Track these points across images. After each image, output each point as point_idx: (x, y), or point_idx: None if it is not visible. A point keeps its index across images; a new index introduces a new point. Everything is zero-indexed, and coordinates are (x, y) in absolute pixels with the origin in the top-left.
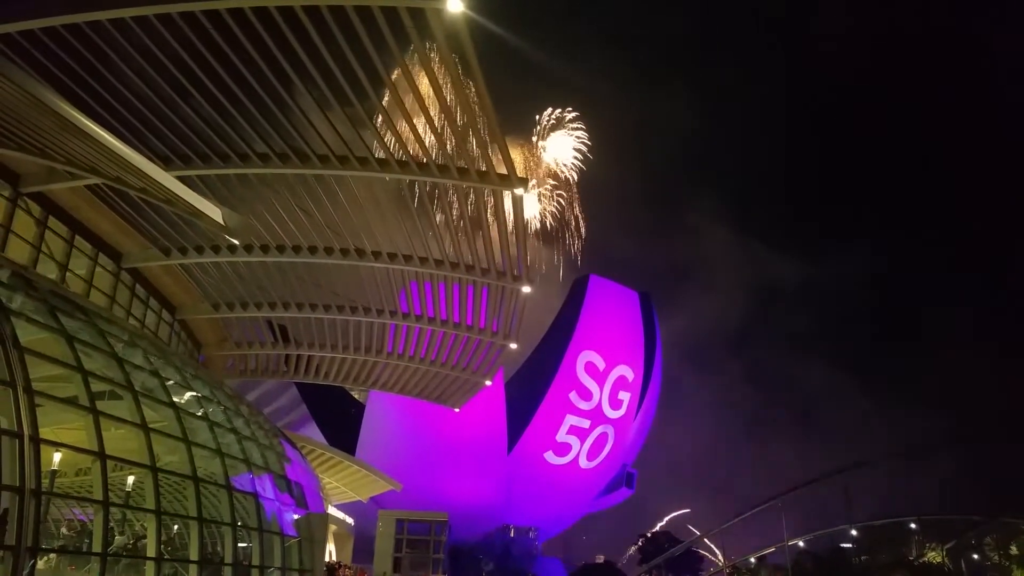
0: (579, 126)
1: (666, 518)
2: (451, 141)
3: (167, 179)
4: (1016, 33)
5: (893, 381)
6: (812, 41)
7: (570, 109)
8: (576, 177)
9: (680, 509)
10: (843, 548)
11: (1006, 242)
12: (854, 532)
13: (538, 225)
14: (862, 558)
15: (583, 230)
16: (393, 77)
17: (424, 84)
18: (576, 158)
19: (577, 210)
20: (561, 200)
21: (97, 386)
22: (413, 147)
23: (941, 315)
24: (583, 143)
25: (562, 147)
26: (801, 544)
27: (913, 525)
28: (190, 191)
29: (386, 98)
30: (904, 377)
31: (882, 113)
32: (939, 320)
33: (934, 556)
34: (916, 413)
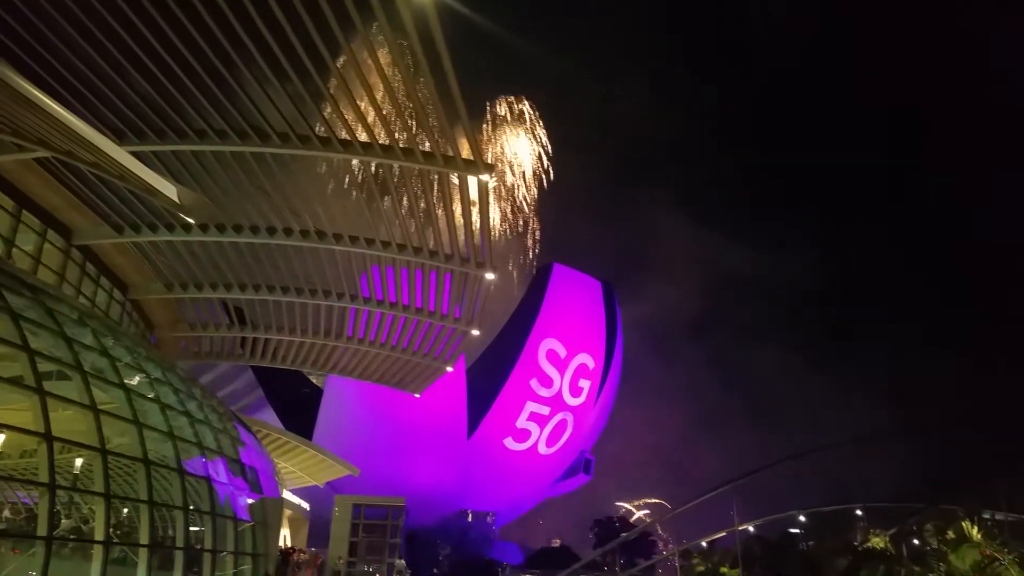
0: (533, 116)
1: (641, 502)
2: (416, 124)
3: (120, 154)
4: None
5: (845, 371)
6: (773, 36)
7: (523, 97)
8: (530, 166)
9: (638, 495)
10: (791, 533)
11: (959, 240)
12: (802, 518)
13: (497, 213)
14: (809, 543)
15: (532, 223)
16: (357, 57)
17: (388, 64)
18: (540, 149)
19: (531, 202)
20: (522, 193)
21: (44, 366)
22: (377, 129)
23: (892, 310)
24: (537, 135)
25: (515, 137)
26: (751, 529)
27: (858, 512)
28: (144, 167)
29: (349, 77)
30: (855, 368)
31: (839, 108)
32: (890, 314)
33: (877, 541)
34: (866, 403)
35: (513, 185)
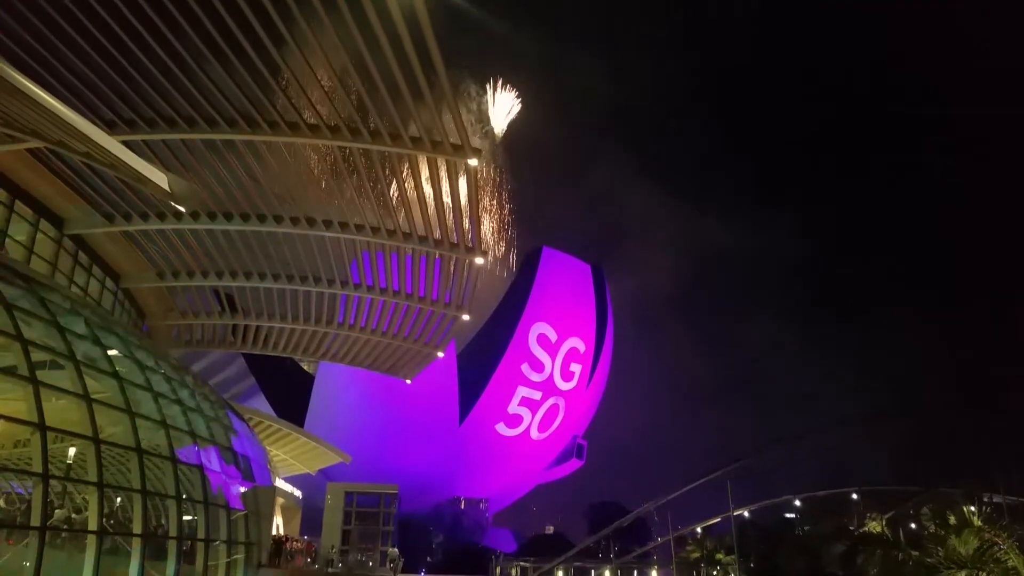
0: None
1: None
2: (406, 110)
3: (111, 144)
4: None
5: (839, 353)
6: (751, 8)
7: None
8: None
9: (640, 489)
10: (787, 518)
11: (954, 220)
12: (798, 503)
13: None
14: (805, 528)
15: (506, 202)
16: (341, 43)
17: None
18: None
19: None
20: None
21: (37, 355)
22: (364, 115)
23: (886, 289)
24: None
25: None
26: (746, 514)
27: (854, 496)
28: (135, 156)
29: (333, 63)
30: (850, 349)
31: (823, 82)
32: (884, 294)
33: (874, 526)
34: (862, 384)
35: (486, 165)
